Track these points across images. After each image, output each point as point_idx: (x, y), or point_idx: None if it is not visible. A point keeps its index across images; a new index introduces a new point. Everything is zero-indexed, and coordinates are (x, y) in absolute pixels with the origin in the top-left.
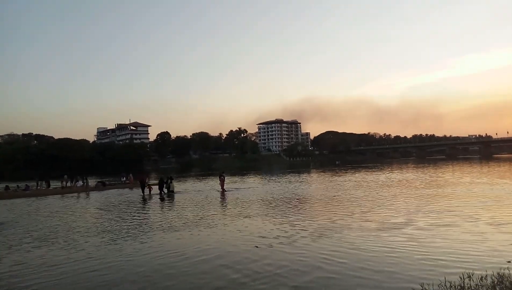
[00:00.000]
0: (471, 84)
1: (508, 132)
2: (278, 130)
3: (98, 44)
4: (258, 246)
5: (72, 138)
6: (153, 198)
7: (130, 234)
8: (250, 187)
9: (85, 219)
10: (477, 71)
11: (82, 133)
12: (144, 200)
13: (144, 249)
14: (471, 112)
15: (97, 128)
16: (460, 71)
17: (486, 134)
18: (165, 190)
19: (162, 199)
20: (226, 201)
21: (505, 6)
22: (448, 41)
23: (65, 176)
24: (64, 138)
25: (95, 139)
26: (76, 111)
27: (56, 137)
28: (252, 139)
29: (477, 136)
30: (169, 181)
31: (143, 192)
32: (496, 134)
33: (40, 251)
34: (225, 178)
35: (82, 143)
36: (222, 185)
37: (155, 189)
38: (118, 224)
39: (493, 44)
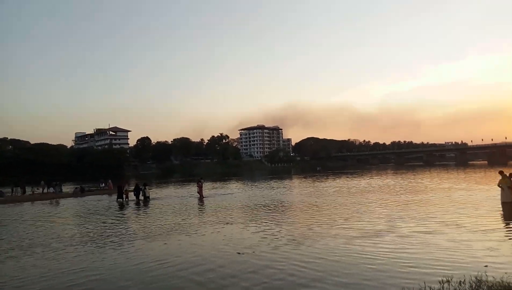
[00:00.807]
0: (447, 92)
1: (482, 140)
2: (259, 136)
3: (77, 48)
4: (240, 253)
5: (49, 143)
6: (130, 204)
7: (110, 243)
8: (232, 193)
9: (63, 227)
10: (453, 80)
11: (60, 139)
12: (122, 207)
13: (122, 261)
14: (448, 119)
15: (75, 133)
16: (436, 79)
17: (461, 141)
18: (142, 197)
19: (138, 205)
20: (206, 207)
21: (482, 15)
22: (426, 49)
23: (42, 182)
24: (41, 143)
25: (73, 144)
26: (53, 116)
27: (32, 142)
28: (234, 145)
29: (453, 143)
30: (143, 187)
31: (120, 198)
32: (471, 141)
33: (15, 262)
34: (203, 184)
35: (59, 148)
36: (201, 191)
37: (131, 195)
38: (97, 232)
39: (468, 53)
